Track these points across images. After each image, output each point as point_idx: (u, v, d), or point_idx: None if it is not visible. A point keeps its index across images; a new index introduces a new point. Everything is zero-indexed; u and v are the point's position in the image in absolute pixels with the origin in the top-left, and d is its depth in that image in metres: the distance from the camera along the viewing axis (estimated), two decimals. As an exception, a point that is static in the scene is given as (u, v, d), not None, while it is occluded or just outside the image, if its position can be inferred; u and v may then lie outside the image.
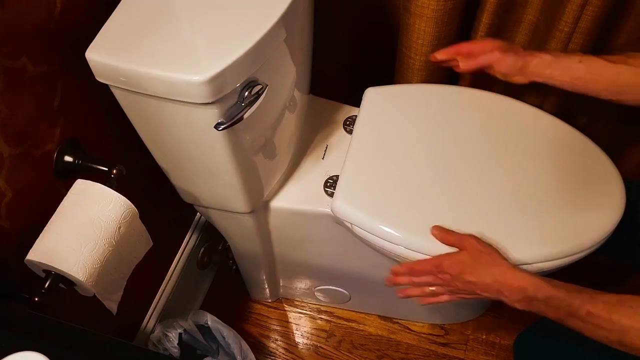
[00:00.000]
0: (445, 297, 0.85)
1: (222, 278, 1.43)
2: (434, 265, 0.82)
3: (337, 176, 0.98)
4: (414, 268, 0.85)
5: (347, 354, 1.31)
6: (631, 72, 0.84)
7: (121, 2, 0.76)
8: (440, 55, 0.96)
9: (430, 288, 0.85)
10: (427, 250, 0.85)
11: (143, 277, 1.00)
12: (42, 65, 0.73)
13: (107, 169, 0.79)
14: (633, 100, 0.86)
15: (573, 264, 0.86)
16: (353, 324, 1.35)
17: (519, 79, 0.92)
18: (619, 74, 0.84)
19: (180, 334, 1.11)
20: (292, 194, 1.01)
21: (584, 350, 0.83)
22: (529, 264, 0.83)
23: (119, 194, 0.74)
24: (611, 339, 0.69)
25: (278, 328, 1.36)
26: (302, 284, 1.29)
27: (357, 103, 1.05)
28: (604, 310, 0.69)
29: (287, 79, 0.87)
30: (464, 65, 0.94)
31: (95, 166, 0.80)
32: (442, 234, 0.84)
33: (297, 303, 1.38)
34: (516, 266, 0.79)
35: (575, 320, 0.72)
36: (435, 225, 0.85)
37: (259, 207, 1.00)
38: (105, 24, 0.73)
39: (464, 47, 0.94)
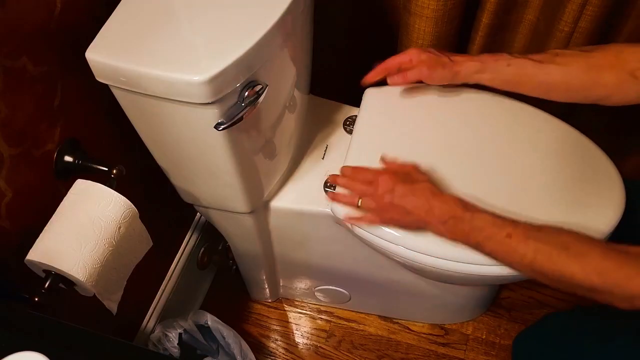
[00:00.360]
0: (369, 217, 0.86)
1: (222, 278, 1.43)
2: (373, 176, 0.84)
3: (337, 176, 0.98)
4: (355, 174, 0.88)
5: (347, 354, 1.31)
6: (559, 71, 0.85)
7: (121, 2, 0.76)
8: (370, 78, 0.97)
9: (360, 200, 0.86)
10: (427, 250, 0.85)
11: (143, 277, 1.00)
12: (42, 65, 0.73)
13: (107, 169, 0.79)
14: (563, 98, 0.88)
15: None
16: (353, 324, 1.35)
17: (456, 83, 0.93)
18: (547, 74, 0.86)
19: (180, 334, 1.11)
20: (292, 194, 1.01)
21: (583, 350, 0.83)
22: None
23: (119, 194, 0.74)
24: (524, 262, 0.72)
25: (278, 328, 1.36)
26: (302, 284, 1.29)
27: (357, 103, 1.05)
28: (523, 233, 0.72)
29: (287, 79, 0.87)
30: (392, 81, 0.95)
31: (95, 166, 0.80)
32: (388, 162, 0.88)
33: (297, 303, 1.39)
34: (444, 192, 0.82)
35: (494, 242, 0.74)
36: (386, 155, 0.90)
37: (259, 207, 1.00)
38: (105, 24, 0.73)
39: (392, 63, 0.95)
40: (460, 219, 0.77)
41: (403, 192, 0.80)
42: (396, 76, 0.94)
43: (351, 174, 0.89)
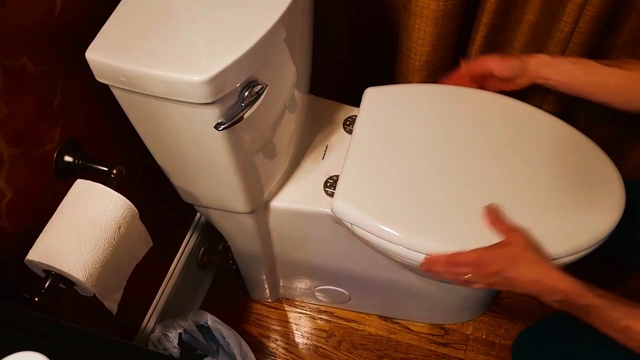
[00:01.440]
0: (479, 285, 0.83)
1: (222, 278, 1.43)
2: (476, 259, 0.80)
3: (337, 176, 0.98)
4: (455, 260, 0.82)
5: (347, 354, 1.31)
6: (623, 74, 0.86)
7: (121, 2, 0.76)
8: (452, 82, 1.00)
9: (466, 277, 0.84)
10: (427, 249, 0.85)
11: (143, 277, 1.00)
12: (42, 65, 0.73)
13: (107, 169, 0.79)
14: (624, 104, 0.88)
15: (572, 264, 0.86)
16: (353, 324, 1.35)
17: (521, 81, 0.93)
18: (610, 75, 0.86)
19: (180, 334, 1.11)
20: (292, 194, 1.01)
21: (582, 351, 0.83)
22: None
23: (119, 194, 0.74)
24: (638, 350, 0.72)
25: (278, 328, 1.36)
26: (302, 284, 1.29)
27: (357, 103, 1.05)
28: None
29: (287, 79, 0.87)
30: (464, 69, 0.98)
31: (95, 166, 0.80)
32: (493, 218, 0.83)
33: (297, 303, 1.38)
34: (559, 267, 0.78)
35: (611, 329, 0.73)
36: (489, 206, 0.84)
37: (259, 207, 1.00)
38: (105, 24, 0.73)
39: (462, 70, 0.98)
40: (574, 304, 0.76)
41: (511, 274, 0.78)
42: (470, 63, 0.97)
43: (447, 261, 0.83)
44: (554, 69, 0.90)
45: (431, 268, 0.85)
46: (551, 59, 0.90)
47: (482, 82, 1.00)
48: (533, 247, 0.79)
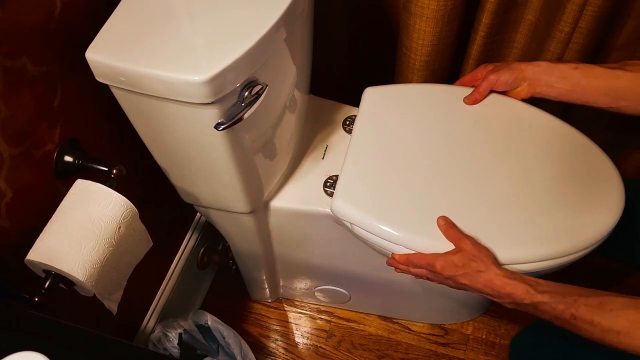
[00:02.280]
0: (439, 285, 0.87)
1: (222, 278, 1.43)
2: (428, 264, 0.83)
3: (337, 176, 0.98)
4: (411, 260, 0.86)
5: (347, 354, 1.31)
6: (629, 76, 0.83)
7: (121, 2, 0.76)
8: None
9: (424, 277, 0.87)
10: (427, 249, 0.85)
11: (143, 277, 1.00)
12: (42, 65, 0.73)
13: (107, 169, 0.79)
14: (632, 108, 0.86)
15: (572, 263, 0.86)
16: (353, 324, 1.35)
17: (521, 90, 0.93)
18: (616, 78, 0.84)
19: (180, 334, 1.11)
20: (292, 194, 1.01)
21: (580, 350, 0.83)
22: (528, 263, 0.83)
23: (119, 194, 0.74)
24: (595, 338, 0.72)
25: (278, 328, 1.36)
26: (302, 284, 1.29)
27: (357, 103, 1.05)
28: (586, 313, 0.71)
29: (287, 79, 0.87)
30: (469, 101, 0.98)
31: (95, 166, 0.80)
32: (446, 226, 0.84)
33: (297, 303, 1.39)
34: (506, 270, 0.79)
35: (561, 321, 0.74)
36: (443, 216, 0.85)
37: (259, 207, 1.00)
38: (105, 24, 0.73)
39: (464, 81, 0.98)
40: (522, 304, 0.77)
41: (461, 280, 0.80)
42: (470, 96, 0.97)
43: (405, 262, 0.87)
44: (555, 75, 0.88)
45: (394, 266, 0.89)
46: (551, 65, 0.89)
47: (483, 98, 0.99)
48: (480, 255, 0.80)
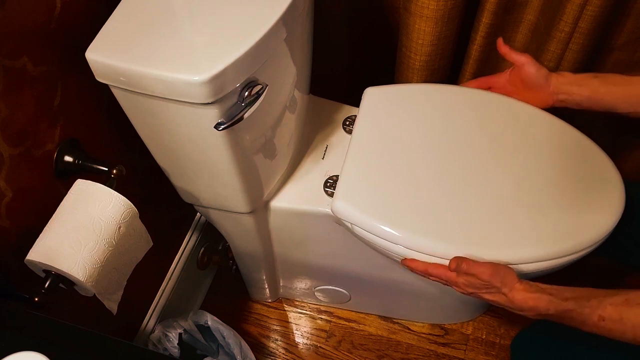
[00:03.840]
0: (439, 284, 0.87)
1: (222, 278, 1.43)
2: (448, 279, 0.84)
3: (337, 176, 0.98)
4: (428, 271, 0.86)
5: (347, 354, 1.31)
6: None
7: (121, 2, 0.76)
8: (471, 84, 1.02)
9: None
10: (427, 249, 0.85)
11: (143, 277, 1.00)
12: (42, 65, 0.73)
13: (107, 169, 0.79)
14: None
15: (572, 263, 0.86)
16: (353, 324, 1.35)
17: (542, 96, 0.93)
18: (633, 83, 0.85)
19: (180, 334, 1.11)
20: (292, 194, 1.01)
21: (581, 350, 0.83)
22: (528, 263, 0.83)
23: (119, 194, 0.74)
24: (627, 337, 0.71)
25: (278, 328, 1.36)
26: (302, 284, 1.29)
27: (357, 103, 1.05)
28: (614, 313, 0.71)
29: (287, 79, 0.87)
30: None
31: (95, 166, 0.80)
32: (458, 261, 0.82)
33: (297, 303, 1.39)
34: (525, 283, 0.78)
35: (590, 326, 0.73)
36: (452, 259, 0.83)
37: (259, 207, 1.00)
38: (105, 24, 0.73)
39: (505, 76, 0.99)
40: (546, 315, 0.76)
41: (484, 296, 0.81)
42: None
43: (424, 270, 0.87)
44: (575, 84, 0.89)
45: (407, 264, 0.88)
46: (574, 76, 0.90)
47: (515, 87, 0.99)
48: (501, 272, 0.79)
